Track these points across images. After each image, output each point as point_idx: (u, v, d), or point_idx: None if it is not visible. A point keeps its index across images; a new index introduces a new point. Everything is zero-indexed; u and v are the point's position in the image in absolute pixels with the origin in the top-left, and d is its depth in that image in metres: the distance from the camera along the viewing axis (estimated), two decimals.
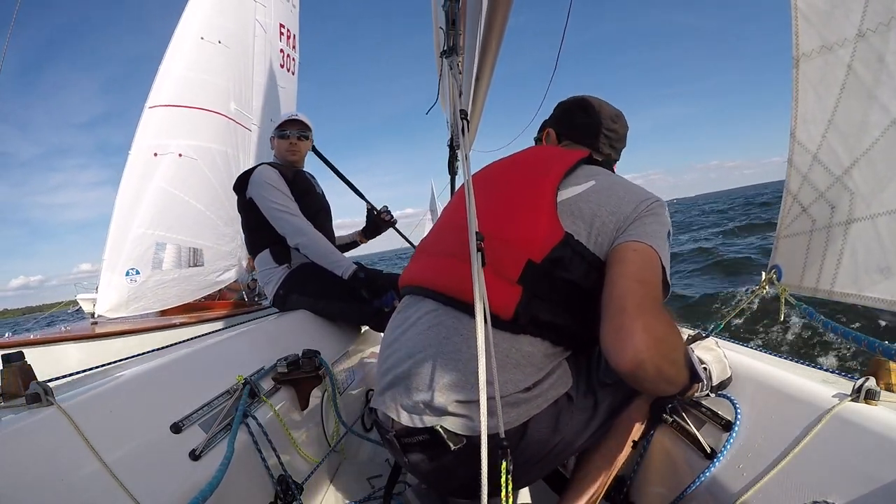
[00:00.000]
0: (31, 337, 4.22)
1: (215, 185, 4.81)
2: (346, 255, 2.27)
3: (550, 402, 0.77)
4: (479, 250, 0.66)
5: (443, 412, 0.76)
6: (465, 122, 1.01)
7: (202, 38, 5.14)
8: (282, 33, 6.29)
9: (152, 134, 4.85)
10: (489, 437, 0.53)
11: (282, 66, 6.43)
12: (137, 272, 4.58)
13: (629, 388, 0.81)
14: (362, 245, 2.34)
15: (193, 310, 4.97)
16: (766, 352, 0.98)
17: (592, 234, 0.80)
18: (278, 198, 1.78)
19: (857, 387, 0.67)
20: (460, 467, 0.77)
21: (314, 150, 2.18)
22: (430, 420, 0.76)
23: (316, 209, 1.93)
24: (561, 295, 0.78)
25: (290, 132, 1.95)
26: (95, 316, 4.60)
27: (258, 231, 1.84)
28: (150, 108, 4.93)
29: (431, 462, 0.79)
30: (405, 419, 0.79)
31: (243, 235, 1.99)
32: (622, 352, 0.67)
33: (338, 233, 2.24)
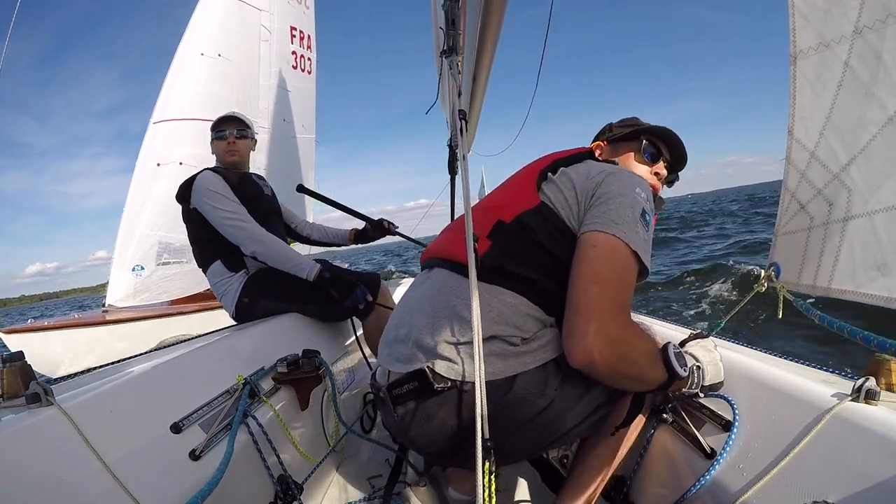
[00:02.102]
0: (47, 323, 4.84)
1: None
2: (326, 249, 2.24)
3: (539, 363, 0.78)
4: (474, 250, 0.67)
5: (432, 353, 0.79)
6: (463, 122, 1.01)
7: (202, 54, 5.72)
8: (293, 35, 6.66)
9: (157, 146, 5.46)
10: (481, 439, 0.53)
11: (294, 67, 6.76)
12: (142, 268, 5.28)
13: None
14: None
15: (201, 299, 5.56)
16: (765, 351, 0.98)
17: (562, 205, 0.84)
18: (226, 205, 1.63)
19: (856, 387, 0.67)
20: (447, 417, 0.79)
21: (304, 189, 2.09)
22: (419, 364, 0.79)
23: (266, 212, 1.81)
24: (529, 254, 0.83)
25: (228, 131, 1.79)
26: (106, 305, 5.27)
27: (207, 242, 1.70)
28: (154, 123, 5.56)
29: (418, 412, 0.80)
30: (398, 368, 0.83)
31: (191, 249, 1.80)
32: (574, 353, 0.71)
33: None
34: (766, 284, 0.82)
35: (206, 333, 1.39)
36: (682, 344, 0.91)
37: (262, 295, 1.68)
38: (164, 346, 1.22)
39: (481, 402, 0.55)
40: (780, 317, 0.83)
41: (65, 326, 4.63)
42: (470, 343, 0.76)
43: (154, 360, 1.02)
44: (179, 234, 5.19)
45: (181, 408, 0.92)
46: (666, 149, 1.03)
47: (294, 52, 6.73)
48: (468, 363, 0.77)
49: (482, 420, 0.54)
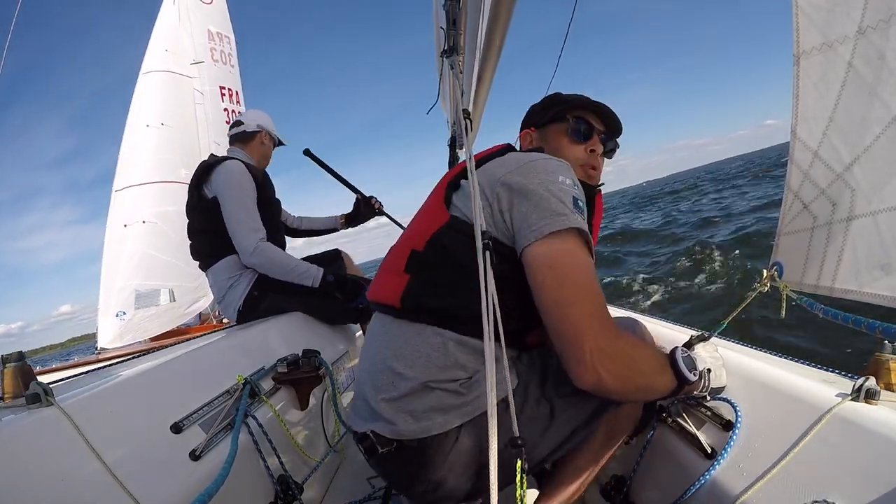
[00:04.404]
0: (53, 367, 5.54)
1: (174, 237, 6.19)
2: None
3: (484, 408, 0.71)
4: (486, 249, 0.63)
5: (374, 415, 0.76)
6: (467, 121, 1.00)
7: (147, 126, 6.72)
8: (223, 94, 7.68)
9: (121, 211, 6.49)
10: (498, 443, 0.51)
11: (227, 122, 7.67)
12: (125, 313, 6.33)
13: (599, 399, 0.77)
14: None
15: (176, 334, 6.65)
16: (766, 351, 0.98)
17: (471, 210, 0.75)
18: (248, 206, 1.60)
19: (857, 386, 0.67)
20: (408, 472, 0.76)
21: (310, 154, 2.13)
22: (366, 424, 0.77)
23: (273, 214, 1.82)
24: (453, 279, 0.75)
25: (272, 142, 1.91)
26: (99, 348, 6.27)
27: (218, 234, 1.63)
28: (116, 191, 6.53)
29: (381, 468, 0.79)
30: (356, 424, 0.80)
31: (193, 241, 1.74)
32: (582, 380, 0.67)
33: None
34: (768, 284, 0.82)
35: (206, 334, 1.39)
36: (687, 346, 0.89)
37: (273, 288, 1.66)
38: (157, 349, 1.21)
39: (500, 394, 0.52)
40: (783, 316, 0.83)
41: (67, 368, 5.37)
42: (406, 396, 0.73)
43: (154, 360, 1.02)
44: (152, 281, 6.41)
45: (181, 408, 0.91)
46: (598, 119, 0.95)
47: (225, 109, 7.69)
48: (408, 421, 0.73)
49: (496, 417, 0.49)
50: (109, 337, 6.28)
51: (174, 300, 6.52)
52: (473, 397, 0.73)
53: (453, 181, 0.84)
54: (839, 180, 0.65)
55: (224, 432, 0.95)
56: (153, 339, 6.41)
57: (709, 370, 0.83)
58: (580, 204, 0.74)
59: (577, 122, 0.93)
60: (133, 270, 6.39)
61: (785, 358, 0.94)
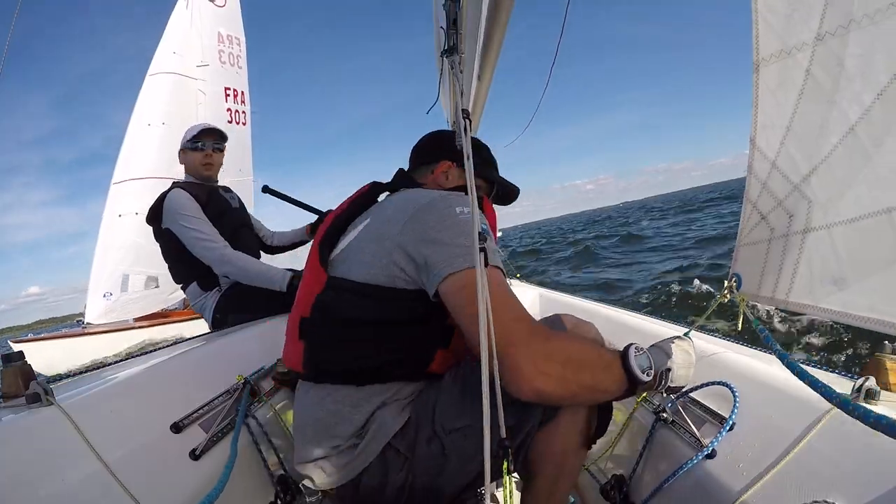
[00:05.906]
0: (43, 335, 6.84)
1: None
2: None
3: (377, 452, 0.77)
4: (481, 250, 0.62)
5: (298, 475, 0.85)
6: (467, 121, 0.99)
7: (149, 125, 7.34)
8: (227, 94, 8.09)
9: (117, 202, 7.20)
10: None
11: (230, 122, 8.13)
12: (111, 294, 7.12)
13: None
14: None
15: (159, 316, 7.51)
16: (766, 351, 0.97)
17: (368, 266, 0.77)
18: (197, 225, 1.66)
19: (856, 386, 0.67)
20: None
21: (269, 190, 2.12)
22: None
23: (235, 226, 1.83)
24: (340, 336, 0.80)
25: (205, 143, 1.80)
26: (85, 323, 7.14)
27: (181, 262, 1.74)
28: (115, 183, 7.28)
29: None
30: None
31: (166, 265, 1.82)
32: (522, 391, 0.65)
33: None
34: (728, 295, 0.82)
35: (206, 334, 1.39)
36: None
37: (232, 310, 1.72)
38: (157, 349, 1.22)
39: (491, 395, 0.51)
40: (740, 329, 0.82)
41: (56, 338, 6.48)
42: (336, 450, 0.79)
43: (154, 360, 1.03)
44: (138, 267, 7.05)
45: (181, 408, 0.93)
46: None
47: (229, 109, 8.10)
48: (328, 472, 0.80)
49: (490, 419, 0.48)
50: (96, 314, 7.09)
51: (158, 286, 7.20)
52: (368, 441, 0.78)
53: (324, 240, 0.86)
54: (796, 191, 0.64)
55: (224, 432, 0.95)
56: (137, 320, 7.24)
57: (668, 370, 0.77)
58: (483, 226, 0.74)
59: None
60: (123, 256, 7.12)
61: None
